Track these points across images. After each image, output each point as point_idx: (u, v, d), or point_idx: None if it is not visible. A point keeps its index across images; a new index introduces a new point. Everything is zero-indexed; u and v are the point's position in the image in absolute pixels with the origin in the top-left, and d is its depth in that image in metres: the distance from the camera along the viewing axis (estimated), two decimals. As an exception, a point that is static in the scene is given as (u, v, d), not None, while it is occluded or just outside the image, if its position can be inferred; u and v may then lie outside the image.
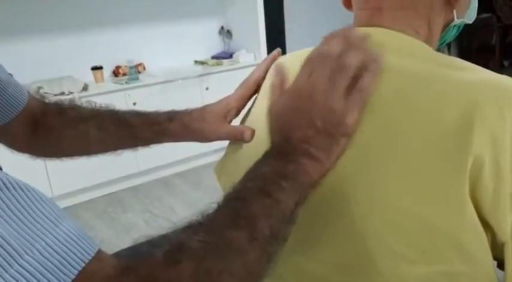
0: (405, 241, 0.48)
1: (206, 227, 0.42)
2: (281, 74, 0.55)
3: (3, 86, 0.63)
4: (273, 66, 0.65)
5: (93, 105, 0.71)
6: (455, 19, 0.58)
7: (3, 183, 0.31)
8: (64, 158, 0.73)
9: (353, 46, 0.49)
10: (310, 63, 0.50)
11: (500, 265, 0.51)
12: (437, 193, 0.46)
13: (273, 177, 0.46)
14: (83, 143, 0.70)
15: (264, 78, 0.66)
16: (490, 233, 0.49)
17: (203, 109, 0.68)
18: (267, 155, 0.49)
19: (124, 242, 2.23)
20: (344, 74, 0.48)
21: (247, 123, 0.66)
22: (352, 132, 0.49)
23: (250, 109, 0.68)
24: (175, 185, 3.07)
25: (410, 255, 0.48)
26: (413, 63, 0.51)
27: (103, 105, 0.71)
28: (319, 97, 0.48)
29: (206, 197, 2.72)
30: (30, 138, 0.70)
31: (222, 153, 0.72)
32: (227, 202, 0.45)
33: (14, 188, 0.32)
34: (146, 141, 0.70)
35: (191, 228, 0.41)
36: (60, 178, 2.60)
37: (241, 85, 0.67)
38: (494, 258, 0.52)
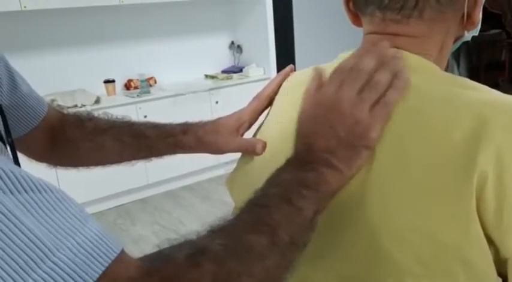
0: (412, 256, 0.48)
1: (227, 231, 0.42)
2: (318, 80, 0.54)
3: (24, 98, 0.66)
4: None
5: (110, 117, 0.73)
6: (466, 34, 0.59)
7: (35, 186, 0.33)
8: (81, 168, 0.74)
9: (385, 64, 0.50)
10: (340, 74, 0.51)
11: (505, 282, 0.51)
12: (446, 209, 0.47)
13: (294, 185, 0.47)
14: (99, 154, 0.72)
15: (276, 93, 0.67)
16: (493, 249, 0.48)
17: (216, 122, 0.69)
18: (288, 162, 0.50)
19: (133, 255, 2.22)
20: (374, 90, 0.49)
21: (259, 136, 0.67)
22: (374, 146, 0.49)
23: (262, 123, 0.69)
24: (183, 197, 3.08)
25: (416, 270, 0.48)
26: (427, 82, 0.52)
27: (119, 117, 0.73)
28: (346, 109, 0.49)
29: (214, 210, 2.73)
30: (48, 148, 0.72)
31: (230, 167, 0.73)
32: (249, 208, 0.46)
33: (44, 190, 0.34)
34: (160, 153, 0.71)
35: (213, 232, 0.42)
36: (70, 190, 2.57)
37: (254, 99, 0.69)
38: (499, 275, 0.51)
